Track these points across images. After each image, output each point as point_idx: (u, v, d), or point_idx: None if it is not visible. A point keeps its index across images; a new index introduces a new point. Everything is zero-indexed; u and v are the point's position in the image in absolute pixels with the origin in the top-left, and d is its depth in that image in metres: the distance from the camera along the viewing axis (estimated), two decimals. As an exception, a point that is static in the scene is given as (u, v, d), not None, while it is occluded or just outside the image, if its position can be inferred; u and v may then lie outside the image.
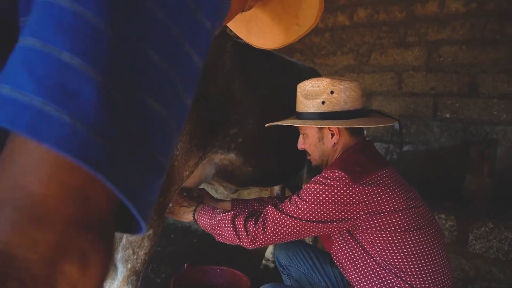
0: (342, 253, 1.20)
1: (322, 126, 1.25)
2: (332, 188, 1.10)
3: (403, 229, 1.11)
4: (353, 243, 1.17)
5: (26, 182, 0.22)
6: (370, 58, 3.48)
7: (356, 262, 1.19)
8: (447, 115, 3.10)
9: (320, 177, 1.15)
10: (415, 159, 3.24)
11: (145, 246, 1.29)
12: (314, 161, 1.40)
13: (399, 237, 1.11)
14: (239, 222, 1.21)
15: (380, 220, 1.10)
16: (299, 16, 0.77)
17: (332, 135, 1.28)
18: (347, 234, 1.18)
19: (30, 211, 0.22)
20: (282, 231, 1.15)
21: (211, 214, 1.33)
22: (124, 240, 1.27)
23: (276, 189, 2.47)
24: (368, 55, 3.48)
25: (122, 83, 0.24)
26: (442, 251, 1.17)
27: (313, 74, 2.13)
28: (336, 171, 1.12)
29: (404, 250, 1.11)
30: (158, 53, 0.26)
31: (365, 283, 1.17)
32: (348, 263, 1.20)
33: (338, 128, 1.26)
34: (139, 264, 1.29)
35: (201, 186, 1.76)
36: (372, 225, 1.11)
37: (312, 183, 1.15)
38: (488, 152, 2.43)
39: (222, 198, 1.88)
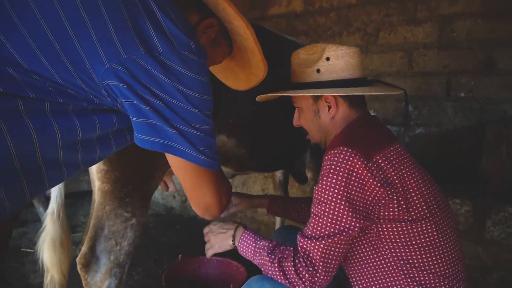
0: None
1: (317, 94, 1.11)
2: (350, 172, 0.94)
3: (419, 216, 0.98)
4: (359, 240, 1.05)
5: None
6: (378, 37, 3.29)
7: (360, 257, 1.07)
8: (462, 94, 2.91)
9: (328, 165, 0.98)
10: (428, 142, 3.07)
11: (128, 236, 1.20)
12: (312, 139, 1.25)
13: (414, 228, 0.98)
14: (288, 268, 1.00)
15: (398, 201, 0.97)
16: (252, 68, 1.01)
17: (329, 107, 1.13)
18: None
19: None
20: (332, 257, 0.98)
21: (253, 248, 1.13)
22: (106, 230, 1.19)
23: (278, 175, 2.36)
24: (376, 34, 3.30)
25: None
26: (456, 242, 1.05)
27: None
28: (343, 148, 0.96)
29: (418, 242, 0.99)
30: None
31: (366, 281, 1.05)
32: (350, 256, 1.08)
33: (335, 99, 1.11)
34: (122, 256, 1.21)
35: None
36: (390, 211, 0.98)
37: (322, 180, 0.98)
38: (507, 132, 2.25)
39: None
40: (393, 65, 3.23)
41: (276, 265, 1.02)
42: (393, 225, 0.98)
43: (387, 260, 1.01)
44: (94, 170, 1.17)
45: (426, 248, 0.99)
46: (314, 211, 1.01)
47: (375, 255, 1.03)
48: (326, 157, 1.01)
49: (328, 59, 1.10)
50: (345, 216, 0.95)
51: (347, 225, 0.96)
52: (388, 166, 0.97)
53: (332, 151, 0.99)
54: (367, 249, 1.04)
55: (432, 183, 1.09)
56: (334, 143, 1.07)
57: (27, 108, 0.60)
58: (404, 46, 3.16)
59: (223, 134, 1.46)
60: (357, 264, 1.07)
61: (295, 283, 0.99)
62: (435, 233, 1.00)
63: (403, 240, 0.99)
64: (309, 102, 1.17)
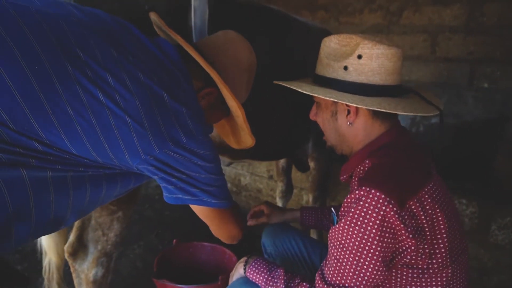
0: None
1: (334, 99, 0.95)
2: (378, 222, 0.82)
3: (440, 265, 0.89)
4: None
5: None
6: (401, 17, 3.07)
7: None
8: (485, 85, 2.73)
9: (352, 212, 0.85)
10: (444, 133, 2.94)
11: (115, 228, 1.21)
12: (328, 141, 1.14)
13: (432, 275, 0.90)
14: None
15: (423, 248, 0.87)
16: (241, 138, 1.15)
17: (348, 112, 1.00)
18: None
19: None
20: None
21: (266, 277, 1.05)
22: (93, 221, 1.20)
23: (281, 161, 2.33)
24: (399, 14, 3.08)
25: None
26: (467, 280, 0.98)
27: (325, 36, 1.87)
28: (374, 191, 0.83)
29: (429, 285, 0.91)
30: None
31: None
32: None
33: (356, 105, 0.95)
34: (109, 246, 1.22)
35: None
36: (409, 256, 0.88)
37: (346, 224, 0.86)
38: (528, 131, 2.11)
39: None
40: (414, 48, 3.03)
41: None
42: (410, 271, 0.90)
43: None
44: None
45: None
46: (336, 255, 0.90)
47: None
48: (353, 196, 0.87)
49: (360, 56, 0.94)
50: (370, 270, 0.86)
51: (371, 278, 0.87)
52: (421, 212, 0.85)
53: (362, 193, 0.85)
54: None
55: (459, 223, 0.98)
56: (362, 174, 0.93)
57: (74, 176, 0.79)
58: (428, 28, 2.94)
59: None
60: None
61: None
62: (449, 280, 0.91)
63: (414, 285, 0.91)
64: (328, 101, 1.04)
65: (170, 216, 2.97)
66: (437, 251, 0.89)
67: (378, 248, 0.83)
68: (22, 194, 0.69)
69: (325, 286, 0.90)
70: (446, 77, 2.90)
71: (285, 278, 0.99)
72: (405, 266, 0.90)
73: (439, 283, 0.90)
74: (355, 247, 0.85)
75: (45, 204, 0.74)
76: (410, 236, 0.84)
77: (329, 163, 2.12)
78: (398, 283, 0.92)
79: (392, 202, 0.81)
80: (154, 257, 1.58)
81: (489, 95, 2.70)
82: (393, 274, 0.92)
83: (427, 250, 0.88)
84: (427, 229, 0.87)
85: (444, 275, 0.90)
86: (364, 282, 0.87)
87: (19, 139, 0.67)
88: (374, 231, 0.82)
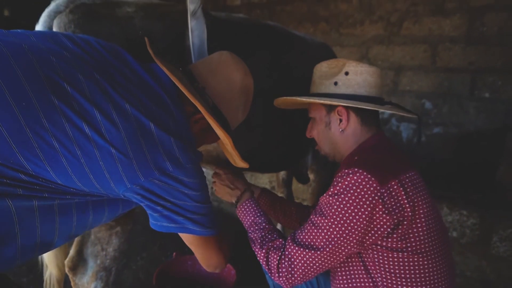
0: (340, 271, 1.07)
1: (329, 103, 1.11)
2: (360, 197, 0.93)
3: (418, 248, 0.96)
4: (354, 260, 1.03)
5: None
6: (401, 28, 3.10)
7: (352, 280, 1.05)
8: (486, 95, 2.73)
9: (340, 183, 0.97)
10: (445, 143, 2.93)
11: (113, 243, 1.23)
12: (321, 150, 1.25)
13: (410, 259, 0.96)
14: (273, 258, 1.05)
15: (402, 230, 0.94)
16: (234, 158, 1.13)
17: (340, 120, 1.13)
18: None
19: None
20: (312, 267, 1.00)
21: (251, 222, 1.18)
22: (92, 236, 1.22)
23: (282, 173, 2.34)
24: (399, 24, 3.11)
25: None
26: (449, 280, 1.01)
27: (324, 51, 1.89)
28: (359, 171, 0.94)
29: (412, 275, 0.97)
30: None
31: None
32: (342, 274, 1.07)
33: (347, 113, 1.11)
34: (108, 260, 1.24)
35: None
36: (390, 238, 0.95)
37: (332, 194, 0.97)
38: (530, 141, 2.11)
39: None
40: (415, 59, 3.05)
41: (264, 251, 1.08)
42: (390, 254, 0.96)
43: (376, 285, 1.00)
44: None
45: (419, 283, 0.97)
46: (314, 221, 1.00)
47: (365, 280, 1.02)
48: (340, 174, 0.99)
49: (347, 73, 1.11)
50: (341, 238, 0.95)
51: (340, 247, 0.96)
52: (403, 193, 0.94)
53: (347, 171, 0.97)
54: (360, 272, 1.03)
55: (440, 217, 1.05)
56: (349, 162, 1.04)
57: (61, 204, 0.81)
58: (428, 38, 2.96)
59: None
60: (346, 283, 1.06)
61: (272, 273, 1.05)
62: (430, 269, 0.97)
63: (397, 271, 0.97)
64: (322, 113, 1.18)
65: (173, 227, 3.00)
66: (416, 234, 0.95)
67: (351, 218, 0.93)
68: (7, 220, 0.71)
69: (295, 245, 1.01)
70: (447, 87, 2.91)
71: (265, 228, 1.12)
72: (385, 248, 0.96)
73: (416, 269, 0.96)
74: (333, 215, 0.95)
75: (30, 229, 0.76)
76: (386, 212, 0.93)
77: (329, 174, 2.13)
78: (382, 264, 0.98)
79: (373, 179, 0.93)
80: (157, 269, 1.60)
81: (490, 105, 2.70)
82: (376, 255, 0.98)
83: (405, 231, 0.95)
84: (408, 209, 0.94)
85: (420, 260, 0.96)
86: (333, 248, 0.96)
87: (5, 171, 0.70)
88: (352, 204, 0.93)
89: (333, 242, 0.96)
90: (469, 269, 2.03)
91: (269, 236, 1.10)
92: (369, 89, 1.12)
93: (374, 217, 0.93)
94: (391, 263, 0.97)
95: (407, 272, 0.96)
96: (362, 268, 1.02)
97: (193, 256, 1.75)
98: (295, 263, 1.00)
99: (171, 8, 1.26)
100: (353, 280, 1.05)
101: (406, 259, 0.96)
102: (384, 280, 0.98)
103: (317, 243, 0.98)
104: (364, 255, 1.01)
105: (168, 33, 1.16)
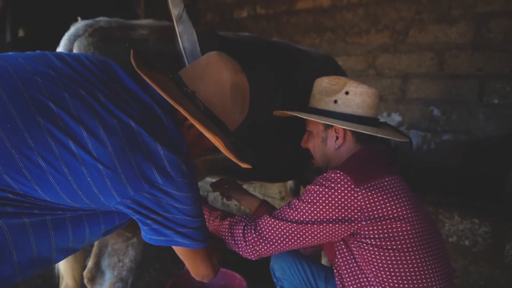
0: (344, 269, 1.11)
1: (328, 123, 1.17)
2: (333, 190, 1.02)
3: (406, 247, 1.00)
4: (349, 259, 1.08)
5: None
6: (407, 36, 3.13)
7: (355, 281, 1.08)
8: (495, 101, 2.73)
9: (321, 178, 1.08)
10: (455, 150, 2.92)
11: (130, 254, 1.27)
12: (315, 162, 1.32)
13: (398, 258, 1.00)
14: (238, 231, 1.14)
15: (383, 228, 1.00)
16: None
17: (337, 137, 1.20)
18: (344, 247, 1.09)
19: None
20: (280, 237, 1.08)
21: (207, 218, 1.27)
22: (109, 247, 1.26)
23: (289, 182, 2.36)
24: (405, 33, 3.14)
25: None
26: (444, 278, 1.03)
27: (327, 62, 1.93)
28: (338, 172, 1.04)
29: (402, 273, 1.01)
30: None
31: None
32: (348, 280, 1.10)
33: (344, 131, 1.18)
34: (125, 272, 1.28)
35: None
36: (372, 235, 1.01)
37: (312, 185, 1.08)
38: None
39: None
40: (422, 66, 3.06)
41: (226, 228, 1.17)
42: (377, 252, 1.01)
43: (370, 283, 1.05)
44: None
45: (410, 281, 1.00)
46: (302, 199, 1.08)
47: (363, 280, 1.06)
48: (327, 174, 1.08)
49: (347, 93, 1.17)
50: (311, 219, 1.04)
51: (309, 228, 1.04)
52: (378, 194, 1.00)
53: (329, 172, 1.07)
54: (354, 269, 1.08)
55: (427, 217, 1.09)
56: (334, 168, 1.11)
57: (71, 216, 0.86)
58: (435, 46, 2.98)
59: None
60: (346, 278, 1.11)
61: (239, 245, 1.12)
62: (420, 265, 1.01)
63: (386, 267, 1.01)
64: (320, 128, 1.23)
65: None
66: (400, 233, 1.00)
67: (323, 210, 1.02)
68: (0, 238, 0.73)
69: (270, 217, 1.09)
70: (455, 94, 2.91)
71: (222, 214, 1.23)
72: (372, 246, 1.01)
73: (405, 266, 1.00)
74: (309, 202, 1.04)
75: (25, 246, 0.77)
76: (358, 208, 1.00)
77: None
78: (371, 261, 1.03)
79: (348, 177, 1.02)
80: (169, 281, 1.63)
81: (500, 111, 2.69)
82: (365, 253, 1.03)
83: (385, 230, 1.00)
84: (384, 209, 1.00)
85: (408, 258, 1.00)
86: (298, 224, 1.04)
87: None
88: (327, 198, 1.02)
89: (302, 219, 1.04)
90: (482, 278, 2.01)
91: (241, 221, 1.18)
92: (367, 110, 1.18)
93: (347, 212, 1.01)
94: (379, 260, 1.02)
95: (396, 268, 1.01)
96: (355, 265, 1.08)
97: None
98: (264, 227, 1.09)
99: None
100: (356, 280, 1.09)
101: (393, 257, 1.01)
102: (376, 276, 1.03)
103: (288, 217, 1.07)
104: (355, 252, 1.07)
105: (179, 54, 1.21)
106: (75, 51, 1.10)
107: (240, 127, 1.44)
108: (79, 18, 1.20)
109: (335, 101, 1.18)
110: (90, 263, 1.28)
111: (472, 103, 2.82)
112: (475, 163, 2.78)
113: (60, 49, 1.14)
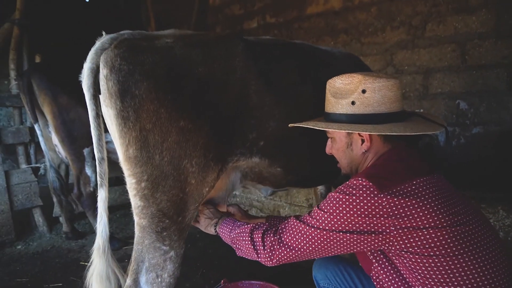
0: (386, 280, 1.02)
1: (348, 130, 1.09)
2: (354, 197, 0.95)
3: (450, 252, 0.91)
4: (390, 269, 0.99)
5: None
6: (425, 30, 3.05)
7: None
8: (526, 88, 2.61)
9: (343, 185, 1.01)
10: (486, 142, 2.80)
11: (168, 269, 1.23)
12: (343, 169, 1.25)
13: (444, 264, 0.91)
14: (257, 235, 1.11)
15: (417, 238, 0.91)
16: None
17: (362, 141, 1.12)
18: (382, 256, 1.00)
19: None
20: (300, 243, 1.02)
21: (232, 227, 1.25)
22: (146, 263, 1.23)
23: (320, 188, 2.30)
24: (423, 27, 3.06)
25: None
26: (509, 280, 0.93)
27: (351, 61, 1.89)
28: (360, 178, 0.97)
29: (453, 280, 0.91)
30: None
31: None
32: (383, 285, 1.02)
33: (369, 133, 1.08)
34: (164, 287, 1.24)
35: (234, 203, 1.70)
36: (409, 245, 0.92)
37: (333, 192, 1.02)
38: None
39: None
40: (443, 60, 2.98)
41: (247, 231, 1.14)
42: (419, 259, 0.93)
43: None
44: (132, 205, 1.21)
45: (464, 286, 0.90)
46: (321, 207, 1.03)
47: (404, 286, 0.98)
48: (348, 181, 1.02)
49: (364, 91, 1.06)
50: (331, 231, 0.98)
51: (330, 237, 0.99)
52: (406, 200, 0.92)
53: (352, 179, 1.00)
54: (396, 280, 1.00)
55: (472, 216, 0.98)
56: (358, 173, 1.06)
57: None
58: (455, 38, 2.90)
59: (255, 156, 1.43)
60: None
61: (257, 248, 1.09)
62: (473, 269, 0.91)
63: (433, 275, 0.92)
64: (342, 134, 1.15)
65: (214, 254, 2.95)
66: (436, 239, 0.91)
67: (344, 221, 0.95)
68: None
69: (297, 221, 1.05)
70: (481, 85, 2.80)
71: (246, 226, 1.18)
72: (409, 252, 0.93)
73: (456, 272, 0.90)
74: (332, 212, 0.98)
75: None
76: (385, 215, 0.92)
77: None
78: (414, 270, 0.94)
79: (371, 183, 0.94)
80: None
81: (532, 98, 2.58)
82: (401, 260, 0.96)
83: (421, 238, 0.91)
84: (416, 218, 0.91)
85: (460, 263, 0.90)
86: (318, 231, 0.99)
87: None
88: (346, 201, 0.96)
89: (323, 227, 0.99)
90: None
91: (252, 224, 1.17)
92: (390, 105, 1.07)
93: (371, 220, 0.93)
94: (423, 267, 0.93)
95: (445, 275, 0.92)
96: (399, 275, 0.99)
97: (242, 282, 1.73)
98: (286, 230, 1.06)
99: (205, 36, 1.31)
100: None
101: (439, 263, 0.91)
102: (424, 284, 0.94)
103: (309, 222, 1.02)
104: (395, 260, 0.98)
105: (206, 58, 1.19)
106: (101, 64, 1.10)
107: (271, 135, 1.41)
108: (103, 33, 1.19)
109: (353, 103, 1.08)
110: (128, 280, 1.24)
111: (501, 92, 2.71)
112: (507, 154, 2.65)
113: (87, 63, 1.13)
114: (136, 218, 1.21)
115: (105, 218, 1.26)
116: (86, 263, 2.81)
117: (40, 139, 2.93)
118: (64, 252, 2.98)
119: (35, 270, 2.69)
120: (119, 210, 4.00)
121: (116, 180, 3.99)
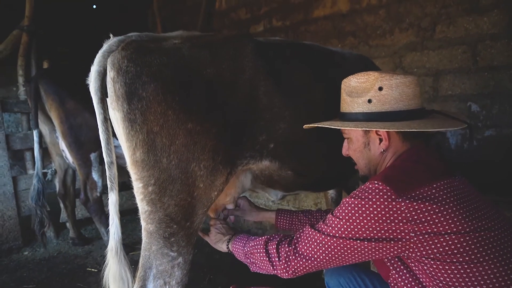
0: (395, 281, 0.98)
1: (365, 128, 1.04)
2: (370, 203, 0.91)
3: (474, 259, 0.86)
4: (408, 276, 0.95)
5: None
6: (435, 32, 3.01)
7: None
8: (541, 89, 2.54)
9: (358, 190, 0.97)
10: (499, 146, 2.73)
11: (176, 276, 1.20)
12: (361, 170, 1.20)
13: (469, 271, 0.87)
14: (272, 246, 1.08)
15: (439, 244, 0.87)
16: None
17: (380, 140, 1.07)
18: (399, 263, 0.95)
19: None
20: (316, 252, 0.98)
21: (245, 242, 1.22)
22: (154, 270, 1.19)
23: (330, 192, 2.25)
24: (432, 29, 3.02)
25: None
26: None
27: (361, 62, 1.85)
28: (376, 182, 0.93)
29: (476, 284, 0.86)
30: None
31: None
32: None
33: (387, 132, 1.04)
34: (171, 295, 1.21)
35: (242, 195, 1.65)
36: (430, 252, 0.88)
37: (348, 197, 0.98)
38: None
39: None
40: (453, 61, 2.92)
41: (261, 244, 1.11)
42: (440, 266, 0.89)
43: None
44: (140, 210, 1.18)
45: None
46: (336, 213, 0.99)
47: None
48: (363, 185, 0.98)
49: (380, 88, 1.03)
50: (347, 239, 0.95)
51: (347, 245, 0.95)
52: (427, 204, 0.88)
53: (368, 183, 0.96)
54: (415, 287, 0.96)
55: (495, 221, 0.93)
56: (375, 176, 1.01)
57: None
58: (466, 39, 2.84)
59: (266, 159, 1.40)
60: None
61: (273, 260, 1.06)
62: (499, 275, 0.86)
63: (456, 283, 0.88)
64: (359, 133, 1.11)
65: (221, 260, 2.91)
66: (459, 245, 0.87)
67: (362, 224, 0.91)
68: None
69: (312, 230, 1.01)
70: (493, 86, 2.74)
71: (261, 240, 1.15)
72: (429, 258, 0.89)
73: (480, 279, 0.86)
74: (348, 219, 0.94)
75: None
76: (404, 221, 0.88)
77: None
78: (436, 277, 0.90)
79: (388, 187, 0.90)
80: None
81: (547, 100, 2.51)
82: (420, 266, 0.92)
83: (443, 244, 0.87)
84: (438, 224, 0.87)
85: (484, 269, 0.86)
86: (335, 239, 0.95)
87: None
88: (362, 207, 0.92)
89: (339, 235, 0.95)
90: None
91: (276, 237, 1.14)
92: (408, 102, 1.03)
93: (389, 226, 0.89)
94: (445, 275, 0.88)
95: (469, 282, 0.87)
96: (417, 282, 0.95)
97: None
98: (302, 240, 1.02)
99: (213, 37, 1.29)
100: None
101: (462, 270, 0.87)
102: None
103: (325, 230, 0.98)
104: (413, 268, 0.94)
105: (214, 59, 1.17)
106: (108, 66, 1.08)
107: (281, 138, 1.38)
108: (111, 35, 1.18)
109: (369, 101, 1.05)
110: (135, 287, 1.21)
111: (514, 94, 2.65)
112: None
113: (95, 66, 1.12)
114: (143, 224, 1.18)
115: (116, 221, 1.24)
116: (93, 269, 2.81)
117: (36, 146, 2.85)
118: (71, 258, 2.96)
119: (41, 276, 2.67)
120: (126, 216, 3.98)
121: (123, 185, 3.98)
